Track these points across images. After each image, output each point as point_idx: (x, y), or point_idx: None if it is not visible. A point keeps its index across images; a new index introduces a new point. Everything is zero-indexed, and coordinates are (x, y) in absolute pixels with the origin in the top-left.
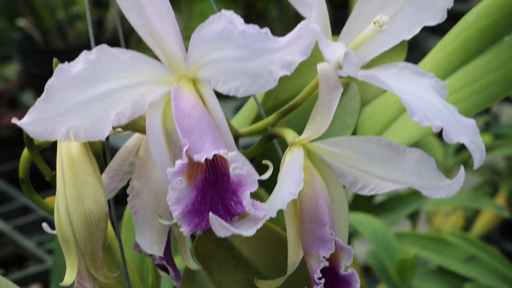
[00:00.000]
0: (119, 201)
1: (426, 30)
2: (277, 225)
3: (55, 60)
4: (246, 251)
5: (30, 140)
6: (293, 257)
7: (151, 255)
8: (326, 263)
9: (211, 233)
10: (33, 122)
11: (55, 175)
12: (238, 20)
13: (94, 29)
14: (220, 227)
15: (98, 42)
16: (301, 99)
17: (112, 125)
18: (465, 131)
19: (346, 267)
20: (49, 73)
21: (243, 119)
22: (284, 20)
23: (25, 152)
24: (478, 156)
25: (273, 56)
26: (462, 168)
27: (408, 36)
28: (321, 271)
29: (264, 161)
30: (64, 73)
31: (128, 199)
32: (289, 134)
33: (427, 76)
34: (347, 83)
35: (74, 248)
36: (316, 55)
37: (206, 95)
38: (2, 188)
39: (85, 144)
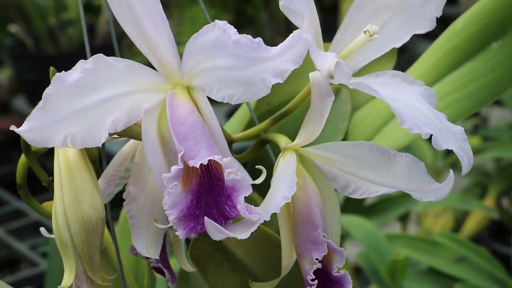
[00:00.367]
0: (114, 204)
1: (415, 34)
2: (270, 228)
3: (52, 69)
4: (241, 254)
5: (27, 147)
6: (287, 259)
7: (147, 258)
8: (319, 265)
9: (206, 236)
10: (31, 129)
11: (51, 181)
12: (231, 29)
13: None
14: (215, 231)
15: (89, 48)
16: (293, 105)
17: (109, 132)
18: (453, 138)
19: (338, 269)
20: (41, 79)
21: (236, 124)
22: (274, 25)
23: (22, 158)
24: (466, 162)
25: (265, 65)
26: (451, 172)
27: (398, 44)
28: (314, 272)
29: (257, 166)
30: (61, 82)
31: (124, 203)
32: (281, 140)
33: (416, 83)
34: (338, 89)
35: (72, 251)
36: (307, 62)
37: (201, 103)
38: None
39: (82, 150)
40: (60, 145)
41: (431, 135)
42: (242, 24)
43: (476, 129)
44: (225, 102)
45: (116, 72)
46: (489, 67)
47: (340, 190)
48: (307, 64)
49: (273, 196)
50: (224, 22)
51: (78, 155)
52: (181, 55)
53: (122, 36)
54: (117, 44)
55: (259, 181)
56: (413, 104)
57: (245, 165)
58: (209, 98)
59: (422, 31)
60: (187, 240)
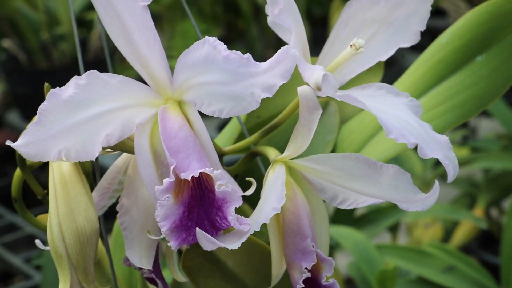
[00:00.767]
0: (108, 217)
1: (404, 47)
2: (261, 238)
3: (46, 84)
4: (231, 264)
5: (23, 161)
6: (277, 269)
7: (140, 269)
8: (308, 274)
9: (197, 247)
10: (27, 144)
11: (46, 194)
12: (221, 46)
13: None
14: (207, 241)
15: (82, 62)
16: (282, 118)
17: (102, 146)
18: (438, 147)
19: (327, 278)
20: (34, 93)
21: (226, 137)
22: (264, 38)
23: (18, 172)
24: (452, 170)
25: (255, 80)
26: (436, 182)
27: (384, 58)
28: (304, 281)
29: (247, 178)
30: (56, 97)
31: (117, 216)
32: (271, 152)
33: (402, 95)
34: (326, 102)
35: (66, 263)
36: (296, 77)
37: (192, 116)
38: None
39: (76, 164)
40: (55, 159)
41: (417, 145)
42: (233, 38)
43: (465, 140)
44: (215, 116)
45: (109, 87)
46: (474, 80)
47: (329, 201)
48: (296, 79)
49: (263, 207)
50: (214, 38)
51: (72, 169)
52: (172, 69)
53: (114, 50)
54: (109, 58)
55: (249, 192)
56: (399, 115)
57: (235, 177)
58: (200, 112)
59: (407, 44)
60: (179, 251)
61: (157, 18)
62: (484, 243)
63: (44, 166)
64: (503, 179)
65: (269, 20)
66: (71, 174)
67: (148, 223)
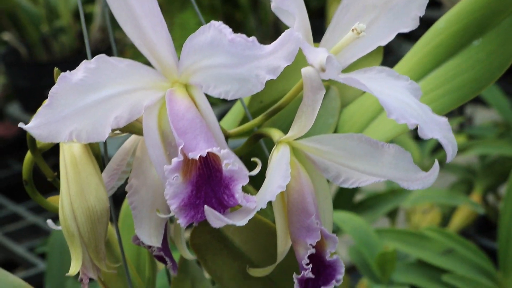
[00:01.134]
0: (114, 203)
1: (400, 36)
2: (265, 218)
3: (56, 69)
4: (238, 241)
5: (33, 144)
6: (282, 246)
7: (149, 247)
8: (313, 250)
9: (205, 225)
10: (39, 126)
11: (56, 176)
12: (226, 29)
13: (76, 42)
14: (215, 218)
15: (81, 55)
16: (285, 101)
17: (111, 128)
18: (438, 128)
19: (331, 254)
20: (34, 85)
21: (230, 121)
22: (262, 29)
23: (28, 155)
24: (451, 150)
25: (259, 62)
26: (436, 162)
27: (384, 43)
28: (309, 257)
29: (253, 159)
30: (66, 81)
31: (127, 196)
32: (275, 133)
33: (402, 78)
34: (327, 86)
35: (78, 241)
36: (297, 62)
37: (198, 99)
38: None
39: (86, 145)
40: (66, 140)
41: (417, 127)
42: (231, 29)
43: (461, 128)
44: (221, 98)
45: (117, 71)
46: (470, 64)
47: (332, 180)
48: (297, 64)
49: (268, 185)
50: (220, 22)
51: (82, 150)
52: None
53: (116, 42)
54: (106, 50)
55: (254, 172)
56: (399, 97)
57: (239, 159)
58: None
59: (407, 29)
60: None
61: None
62: (481, 229)
63: (50, 152)
64: (499, 166)
65: (273, 5)
66: (82, 155)
67: (157, 203)
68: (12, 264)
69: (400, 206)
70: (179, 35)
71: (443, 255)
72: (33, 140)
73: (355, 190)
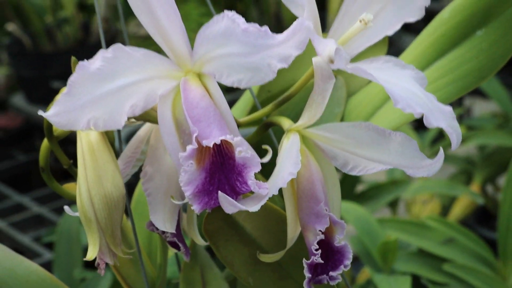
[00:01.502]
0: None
1: (401, 29)
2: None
3: (73, 58)
4: (249, 228)
5: (50, 131)
6: (292, 232)
7: (163, 233)
8: (322, 236)
9: (218, 211)
10: (58, 113)
11: (71, 164)
12: (240, 19)
13: (80, 33)
14: (229, 204)
15: (84, 46)
16: (294, 91)
17: (127, 116)
18: (443, 117)
19: (339, 240)
20: (39, 75)
21: (239, 111)
22: (264, 21)
23: (45, 142)
24: (455, 138)
25: (272, 51)
26: (441, 149)
27: (390, 32)
28: (318, 243)
29: (263, 146)
30: (84, 70)
31: (141, 183)
32: (285, 122)
33: (408, 68)
34: (334, 76)
35: (96, 227)
36: (304, 53)
37: (211, 88)
38: None
39: (102, 133)
40: (84, 128)
41: (422, 116)
42: None
43: (460, 119)
44: (234, 86)
45: (133, 60)
46: (474, 54)
47: (340, 168)
48: (304, 54)
49: (280, 172)
50: (233, 12)
51: (99, 138)
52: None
53: (116, 34)
54: (109, 42)
55: (266, 159)
56: (405, 86)
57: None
58: None
59: (412, 19)
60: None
61: None
62: (481, 219)
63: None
64: (498, 156)
65: None
66: (99, 143)
67: (171, 189)
68: (18, 253)
69: (400, 197)
70: None
71: (443, 244)
72: (50, 128)
73: (357, 181)
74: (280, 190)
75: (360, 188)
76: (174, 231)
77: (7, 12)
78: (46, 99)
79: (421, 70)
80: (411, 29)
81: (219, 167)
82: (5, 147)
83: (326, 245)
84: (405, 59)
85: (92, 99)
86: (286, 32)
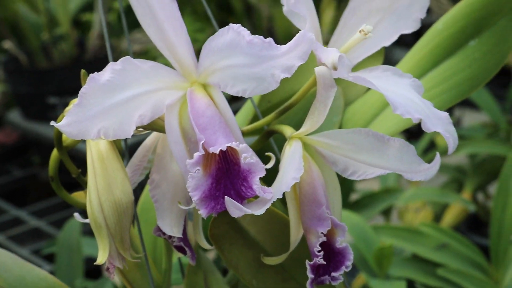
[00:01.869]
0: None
1: (396, 41)
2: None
3: (83, 71)
4: (253, 232)
5: (60, 141)
6: (295, 235)
7: (170, 238)
8: (324, 238)
9: (224, 216)
10: (70, 124)
11: (79, 173)
12: (245, 32)
13: (75, 50)
14: (235, 208)
15: (80, 62)
16: (295, 100)
17: (136, 125)
18: (440, 122)
19: (340, 242)
20: (35, 92)
21: (240, 120)
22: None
23: (54, 152)
24: (452, 142)
25: (276, 61)
26: (437, 154)
27: (388, 43)
28: (320, 245)
29: (267, 153)
30: (95, 81)
31: (149, 190)
32: (287, 130)
33: (405, 76)
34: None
35: (106, 232)
36: (302, 66)
37: (216, 98)
38: None
39: (111, 142)
40: (95, 138)
41: (420, 122)
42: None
43: None
44: (239, 95)
45: (141, 72)
46: (467, 63)
47: (340, 173)
48: (302, 67)
49: (283, 177)
50: (238, 25)
51: (108, 147)
52: (168, 64)
53: (113, 49)
54: (104, 58)
55: (269, 165)
56: (404, 93)
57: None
58: None
59: (409, 31)
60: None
61: None
62: (472, 226)
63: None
64: (488, 165)
65: (285, 9)
66: (108, 152)
67: (177, 196)
68: None
69: (394, 205)
70: None
71: (437, 250)
72: (59, 138)
73: (350, 190)
74: (282, 196)
75: (354, 197)
76: (181, 235)
77: (4, 29)
78: (42, 115)
79: (416, 79)
80: (401, 43)
81: (225, 173)
82: (2, 163)
83: (328, 247)
84: (401, 69)
85: (103, 109)
86: (289, 44)
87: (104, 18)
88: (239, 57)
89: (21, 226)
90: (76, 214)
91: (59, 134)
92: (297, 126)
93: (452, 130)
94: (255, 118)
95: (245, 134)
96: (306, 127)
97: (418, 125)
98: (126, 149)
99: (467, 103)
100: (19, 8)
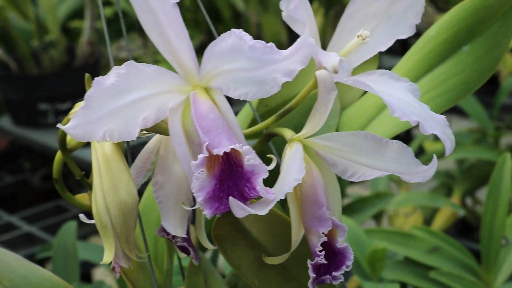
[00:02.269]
0: None
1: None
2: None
3: (87, 75)
4: (256, 232)
5: (64, 144)
6: (296, 235)
7: (173, 238)
8: (325, 238)
9: (227, 217)
10: (76, 126)
11: (83, 175)
12: (247, 36)
13: (65, 56)
14: (239, 208)
15: (70, 68)
16: (295, 103)
17: (140, 128)
18: (437, 125)
19: (341, 242)
20: (25, 98)
21: (239, 123)
22: None
23: (58, 155)
24: (449, 145)
25: (277, 66)
26: (434, 156)
27: (384, 48)
28: (321, 245)
29: (268, 155)
30: (100, 85)
31: (153, 191)
32: (287, 133)
33: (402, 80)
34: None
35: (111, 233)
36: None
37: (219, 101)
38: None
39: (116, 144)
40: (100, 140)
41: (417, 124)
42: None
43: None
44: (241, 99)
45: (145, 76)
46: (461, 68)
47: (340, 174)
48: (298, 74)
49: (285, 178)
50: (240, 30)
51: (113, 149)
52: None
53: (100, 56)
54: (94, 64)
55: (271, 167)
56: (401, 97)
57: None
58: None
59: (404, 36)
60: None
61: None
62: (461, 230)
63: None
64: (476, 170)
65: (284, 14)
66: (113, 153)
67: (181, 197)
68: None
69: (385, 210)
70: None
71: (429, 253)
72: (63, 141)
73: (342, 195)
74: (280, 200)
75: (345, 201)
76: (185, 235)
77: None
78: (32, 121)
79: (413, 83)
80: (389, 52)
81: (228, 175)
82: None
83: (328, 247)
84: (396, 73)
85: (108, 112)
86: (290, 48)
87: (105, 24)
88: (241, 61)
89: (13, 232)
90: (81, 215)
91: (63, 136)
92: (294, 130)
93: (449, 132)
94: (253, 122)
95: (245, 137)
96: (307, 130)
97: (407, 132)
98: (128, 152)
99: (454, 110)
100: (8, 15)
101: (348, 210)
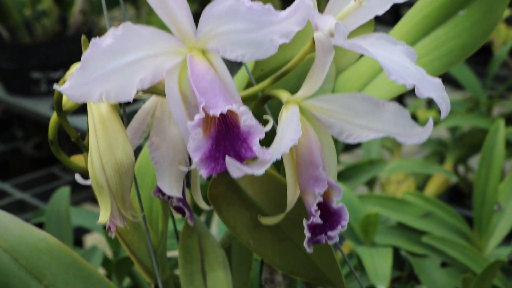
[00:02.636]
0: None
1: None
2: None
3: (83, 37)
4: (251, 192)
5: (59, 105)
6: (292, 196)
7: (169, 198)
8: (321, 199)
9: (222, 177)
10: (72, 87)
11: (78, 137)
12: None
13: (58, 26)
14: (235, 168)
15: (62, 38)
16: (291, 66)
17: (137, 89)
18: (433, 88)
19: (337, 202)
20: (18, 67)
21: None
22: None
23: (54, 116)
24: (445, 108)
25: (274, 27)
26: (430, 119)
27: (381, 12)
28: (317, 205)
29: (265, 116)
30: (97, 46)
31: (149, 152)
32: (284, 94)
33: (399, 43)
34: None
35: (107, 193)
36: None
37: (215, 62)
38: None
39: (112, 105)
40: (97, 101)
41: (414, 87)
42: None
43: (430, 104)
44: (238, 60)
45: (142, 37)
46: (457, 32)
47: (336, 136)
48: (293, 38)
49: (282, 139)
50: None
51: (109, 109)
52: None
53: (93, 26)
54: (87, 34)
55: (267, 128)
56: (397, 60)
57: None
58: None
59: (401, 0)
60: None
61: None
62: (453, 197)
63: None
64: (469, 138)
65: None
66: (109, 114)
67: (176, 157)
68: None
69: (377, 177)
70: (158, 19)
71: (422, 218)
72: (59, 102)
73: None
74: (275, 161)
75: (338, 168)
76: (180, 196)
77: None
78: (25, 89)
79: (409, 46)
80: (381, 21)
81: (225, 135)
82: None
83: (324, 207)
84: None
85: (104, 73)
86: (288, 10)
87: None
88: (239, 23)
89: (5, 199)
90: (77, 176)
91: (59, 98)
92: (290, 93)
93: (444, 95)
94: (249, 87)
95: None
96: (303, 91)
97: (399, 100)
98: (124, 114)
99: (448, 80)
100: None
101: (341, 176)
